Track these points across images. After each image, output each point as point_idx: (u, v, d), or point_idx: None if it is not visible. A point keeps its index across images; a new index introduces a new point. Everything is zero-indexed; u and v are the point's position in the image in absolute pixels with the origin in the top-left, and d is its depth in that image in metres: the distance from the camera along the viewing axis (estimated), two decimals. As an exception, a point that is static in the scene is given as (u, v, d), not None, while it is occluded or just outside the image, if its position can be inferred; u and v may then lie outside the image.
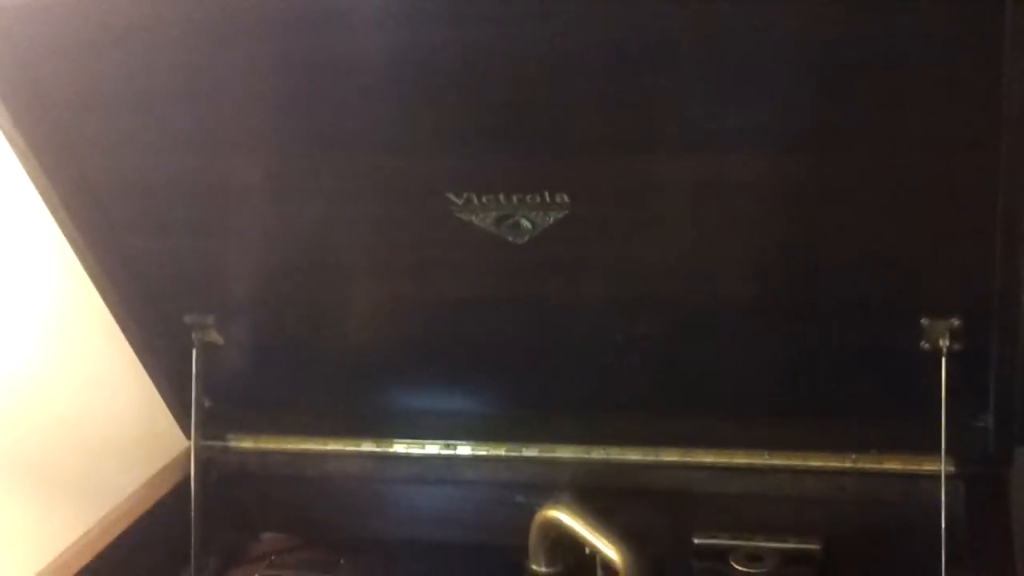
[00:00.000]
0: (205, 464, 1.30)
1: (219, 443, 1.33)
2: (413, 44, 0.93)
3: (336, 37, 0.94)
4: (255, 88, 1.00)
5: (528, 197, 1.02)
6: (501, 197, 1.02)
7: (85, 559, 1.14)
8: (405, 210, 1.08)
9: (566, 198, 1.01)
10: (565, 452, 1.25)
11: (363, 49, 0.95)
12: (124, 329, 1.23)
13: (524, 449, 1.26)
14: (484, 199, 1.03)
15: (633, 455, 1.23)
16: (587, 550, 1.10)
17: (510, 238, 1.06)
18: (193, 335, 1.23)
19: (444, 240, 1.08)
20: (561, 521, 1.14)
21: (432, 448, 1.29)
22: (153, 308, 1.22)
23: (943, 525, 1.07)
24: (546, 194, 1.01)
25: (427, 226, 1.08)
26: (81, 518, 1.22)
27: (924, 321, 1.05)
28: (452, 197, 1.03)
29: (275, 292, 1.21)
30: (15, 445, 1.32)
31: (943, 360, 1.06)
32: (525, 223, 1.05)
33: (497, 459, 1.27)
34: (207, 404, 1.29)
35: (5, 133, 1.04)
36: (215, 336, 1.24)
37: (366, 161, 1.04)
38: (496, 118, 0.97)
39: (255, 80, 0.99)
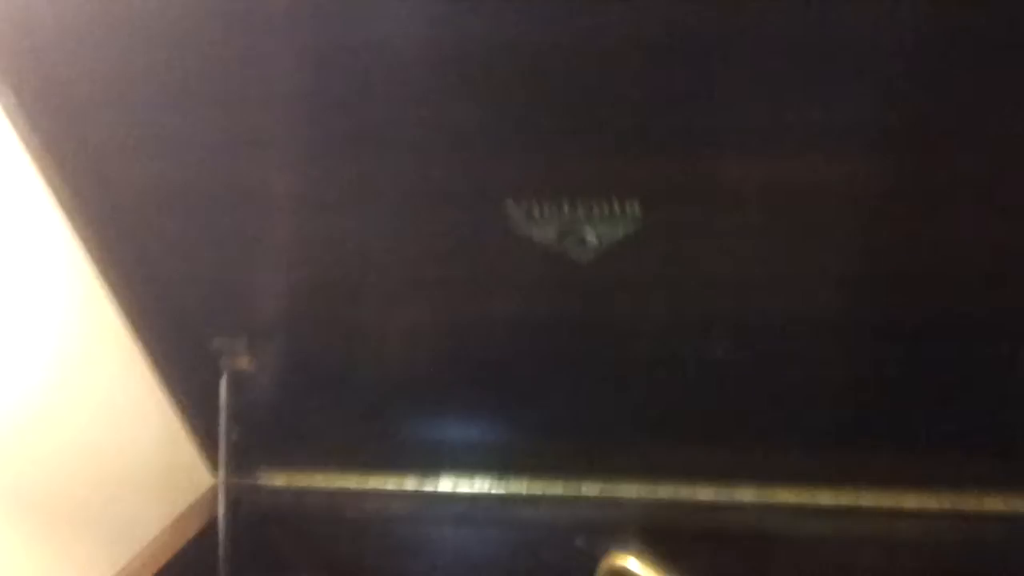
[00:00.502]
0: (234, 503, 1.18)
1: (249, 480, 1.22)
2: (463, 34, 0.85)
3: (377, 27, 0.85)
4: (288, 85, 0.91)
5: (595, 206, 0.93)
6: (565, 206, 0.94)
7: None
8: (455, 221, 0.99)
9: (637, 207, 0.93)
10: (629, 489, 1.14)
11: (406, 40, 0.86)
12: (145, 352, 1.13)
13: (584, 486, 1.15)
14: (546, 209, 0.94)
15: (705, 493, 1.13)
16: (659, 601, 1.00)
17: (573, 255, 0.97)
18: (221, 360, 1.13)
19: (499, 256, 0.99)
20: (628, 570, 1.03)
21: (482, 485, 1.18)
22: (178, 330, 1.12)
23: (1055, 573, 0.98)
24: (615, 202, 0.93)
25: (481, 240, 0.99)
26: (97, 561, 1.12)
27: (1032, 345, 0.96)
28: (511, 206, 0.94)
29: (310, 312, 1.10)
30: (21, 478, 1.21)
31: (1051, 389, 0.97)
32: (591, 237, 0.96)
33: (554, 498, 1.16)
34: (236, 436, 1.17)
35: (20, 135, 0.95)
36: (245, 361, 1.13)
37: (411, 166, 0.95)
38: (558, 116, 0.89)
39: (288, 76, 0.90)
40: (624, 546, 1.06)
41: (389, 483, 1.20)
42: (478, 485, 1.18)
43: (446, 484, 1.19)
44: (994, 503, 1.06)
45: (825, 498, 1.10)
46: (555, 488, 1.16)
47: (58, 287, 1.18)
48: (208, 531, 1.17)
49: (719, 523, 1.12)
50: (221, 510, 1.17)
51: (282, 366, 1.15)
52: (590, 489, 1.15)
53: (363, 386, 1.15)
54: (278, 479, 1.23)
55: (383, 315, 1.10)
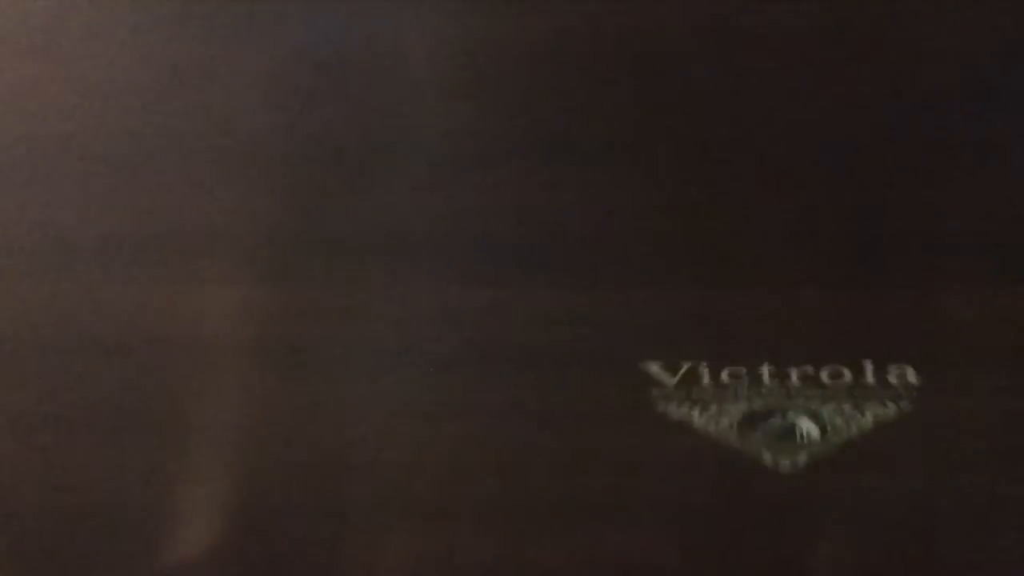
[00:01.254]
0: None
1: None
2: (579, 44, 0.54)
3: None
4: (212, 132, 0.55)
5: (823, 373, 0.57)
6: (765, 373, 0.57)
7: None
8: (545, 387, 0.59)
9: (911, 374, 0.56)
10: None
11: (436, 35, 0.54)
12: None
13: None
14: (724, 377, 0.57)
15: None
16: None
17: (769, 457, 0.59)
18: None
19: (625, 454, 0.61)
20: None
21: None
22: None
23: None
24: (866, 367, 0.56)
25: (592, 425, 0.60)
26: None
27: None
28: (657, 372, 0.57)
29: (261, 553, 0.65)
30: None
31: None
32: (807, 426, 0.58)
33: None
34: None
35: None
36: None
37: (442, 288, 0.58)
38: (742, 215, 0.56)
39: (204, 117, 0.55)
40: None
41: None
42: None
43: None
44: None
45: None
46: None
47: None
48: None
49: None
50: None
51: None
52: None
53: None
54: None
55: (382, 559, 0.66)
